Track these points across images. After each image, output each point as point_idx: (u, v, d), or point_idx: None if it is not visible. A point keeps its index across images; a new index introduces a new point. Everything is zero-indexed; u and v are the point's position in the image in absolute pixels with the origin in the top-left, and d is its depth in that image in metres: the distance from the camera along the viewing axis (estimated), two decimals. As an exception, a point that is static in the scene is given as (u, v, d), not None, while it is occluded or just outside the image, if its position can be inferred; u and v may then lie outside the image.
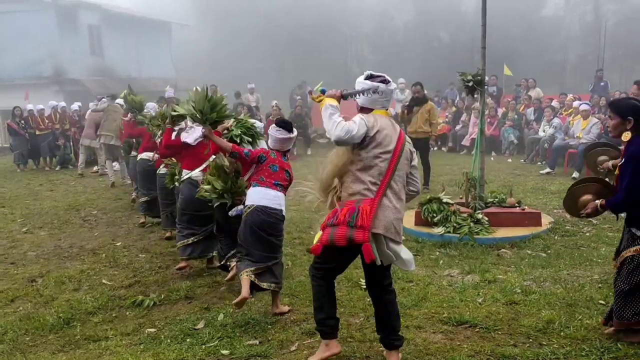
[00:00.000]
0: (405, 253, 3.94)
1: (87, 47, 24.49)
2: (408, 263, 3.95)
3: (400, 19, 27.62)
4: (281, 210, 4.96)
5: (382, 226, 3.76)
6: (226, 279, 5.70)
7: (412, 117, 10.58)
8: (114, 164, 12.67)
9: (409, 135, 10.81)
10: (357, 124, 3.78)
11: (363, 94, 3.93)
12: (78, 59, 23.05)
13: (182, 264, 6.28)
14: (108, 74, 23.60)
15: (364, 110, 3.97)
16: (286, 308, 5.11)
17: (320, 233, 3.88)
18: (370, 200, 3.74)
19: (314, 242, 3.93)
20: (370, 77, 3.92)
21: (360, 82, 3.92)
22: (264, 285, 4.91)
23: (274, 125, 5.09)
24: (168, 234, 7.75)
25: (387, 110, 4.04)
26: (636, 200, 4.05)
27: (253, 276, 4.84)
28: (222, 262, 5.80)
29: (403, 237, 7.41)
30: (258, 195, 4.90)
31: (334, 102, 3.88)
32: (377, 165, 3.80)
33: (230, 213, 5.37)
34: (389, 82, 3.94)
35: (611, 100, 4.37)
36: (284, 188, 5.03)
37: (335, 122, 3.75)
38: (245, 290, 4.74)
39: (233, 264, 5.45)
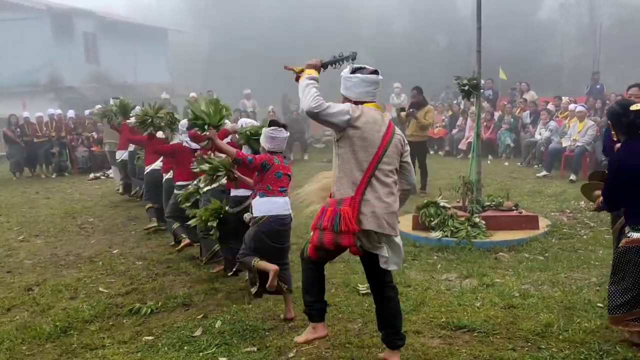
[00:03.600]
0: (397, 250, 3.91)
1: (82, 55, 24.49)
2: (394, 262, 3.91)
3: (397, 23, 27.69)
4: (291, 214, 5.01)
5: (374, 223, 3.73)
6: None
7: (410, 120, 10.59)
8: (109, 171, 12.67)
9: (407, 139, 10.84)
10: (337, 106, 3.71)
11: (345, 61, 3.91)
12: (74, 67, 23.05)
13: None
14: (104, 81, 23.60)
15: (345, 101, 3.88)
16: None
17: (311, 233, 3.89)
18: (350, 199, 3.71)
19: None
20: (356, 70, 3.85)
21: (347, 78, 3.86)
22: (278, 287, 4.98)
23: (270, 128, 5.07)
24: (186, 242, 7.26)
25: (376, 102, 3.94)
26: (611, 203, 4.33)
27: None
28: (234, 269, 5.98)
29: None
30: (268, 206, 4.87)
31: (314, 74, 3.82)
32: (359, 160, 3.74)
33: (245, 218, 5.33)
34: (378, 72, 3.88)
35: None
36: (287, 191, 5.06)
37: (309, 93, 3.69)
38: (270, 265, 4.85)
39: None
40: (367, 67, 3.87)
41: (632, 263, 4.19)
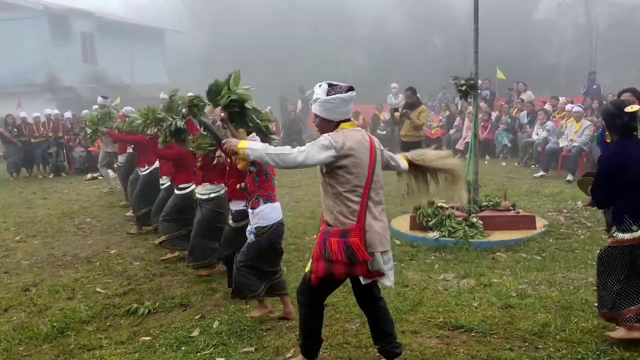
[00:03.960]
0: (390, 264, 3.86)
1: (80, 55, 24.46)
2: (388, 278, 3.84)
3: (394, 24, 27.69)
4: None
5: (380, 244, 3.70)
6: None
7: (404, 120, 10.59)
8: (108, 170, 12.56)
9: (401, 139, 10.90)
10: (317, 145, 3.58)
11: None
12: (71, 67, 23.01)
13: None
14: (101, 81, 23.57)
15: (325, 124, 3.73)
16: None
17: (312, 262, 3.76)
18: (356, 228, 3.61)
19: (307, 269, 3.86)
20: (330, 89, 3.67)
21: (327, 100, 3.65)
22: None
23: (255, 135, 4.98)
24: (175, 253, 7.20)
25: (351, 120, 3.80)
26: (599, 200, 4.42)
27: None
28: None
29: (398, 242, 7.47)
30: (275, 212, 4.86)
31: (249, 143, 3.66)
32: (354, 186, 3.63)
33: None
34: (353, 88, 3.72)
35: None
36: None
37: (279, 157, 3.56)
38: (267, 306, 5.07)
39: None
40: (338, 84, 3.71)
41: (618, 262, 4.23)
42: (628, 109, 4.16)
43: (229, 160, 5.17)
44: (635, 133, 4.23)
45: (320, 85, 3.70)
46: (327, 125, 3.73)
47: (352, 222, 3.63)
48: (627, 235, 4.20)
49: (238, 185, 4.97)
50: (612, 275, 4.27)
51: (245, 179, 4.89)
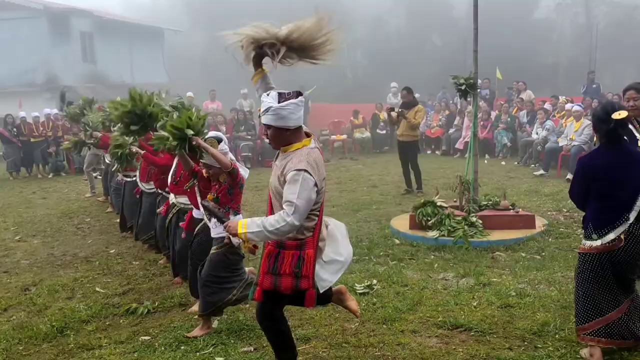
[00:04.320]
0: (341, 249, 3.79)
1: (79, 54, 24.44)
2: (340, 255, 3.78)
3: (394, 23, 27.69)
4: None
5: (323, 248, 3.68)
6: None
7: (401, 120, 10.61)
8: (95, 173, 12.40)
9: (398, 138, 10.92)
10: (307, 189, 3.37)
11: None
12: (70, 66, 22.99)
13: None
14: (101, 81, 23.56)
15: (279, 134, 3.53)
16: None
17: (257, 275, 3.68)
18: (311, 240, 3.55)
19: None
20: (281, 97, 3.48)
21: (281, 107, 3.44)
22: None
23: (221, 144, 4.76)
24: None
25: (307, 132, 3.66)
26: (575, 201, 4.38)
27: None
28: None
29: (398, 241, 7.46)
30: None
31: (247, 228, 3.44)
32: (311, 210, 3.51)
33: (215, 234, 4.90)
34: (302, 94, 3.56)
35: None
36: None
37: (280, 227, 3.35)
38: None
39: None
40: (285, 91, 3.56)
41: (585, 271, 4.13)
42: (615, 115, 3.93)
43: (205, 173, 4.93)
44: (622, 139, 4.05)
45: (268, 94, 3.52)
46: (281, 135, 3.55)
47: (308, 236, 3.57)
48: (587, 243, 4.11)
49: (210, 195, 4.73)
50: (586, 284, 4.14)
51: (217, 188, 4.72)
